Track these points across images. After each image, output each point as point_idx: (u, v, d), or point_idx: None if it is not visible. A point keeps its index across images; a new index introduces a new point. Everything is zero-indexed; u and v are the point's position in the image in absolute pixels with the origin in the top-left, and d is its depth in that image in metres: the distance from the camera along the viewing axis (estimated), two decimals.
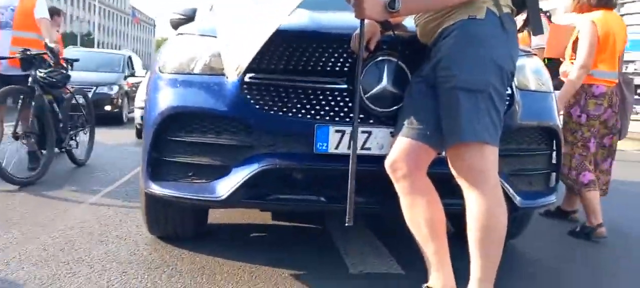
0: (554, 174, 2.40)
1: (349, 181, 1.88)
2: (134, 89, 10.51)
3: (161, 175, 2.20)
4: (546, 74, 2.48)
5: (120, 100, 10.14)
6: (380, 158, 1.97)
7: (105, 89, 9.86)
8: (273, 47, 2.06)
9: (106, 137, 7.30)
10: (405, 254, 2.55)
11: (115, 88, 10.05)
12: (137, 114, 7.45)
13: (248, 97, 2.07)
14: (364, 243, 2.84)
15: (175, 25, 3.53)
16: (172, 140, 2.15)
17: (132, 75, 11.28)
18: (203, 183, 2.14)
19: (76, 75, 8.20)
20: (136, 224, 2.97)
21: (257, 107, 2.06)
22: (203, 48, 2.22)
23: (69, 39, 42.91)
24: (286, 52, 2.08)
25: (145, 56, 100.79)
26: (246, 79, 2.07)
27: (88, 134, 5.28)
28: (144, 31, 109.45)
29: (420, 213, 1.86)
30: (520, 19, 1.99)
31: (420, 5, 1.87)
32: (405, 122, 1.87)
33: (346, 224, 1.89)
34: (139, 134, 7.59)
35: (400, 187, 1.88)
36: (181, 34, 2.41)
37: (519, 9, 1.90)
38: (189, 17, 3.66)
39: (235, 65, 1.91)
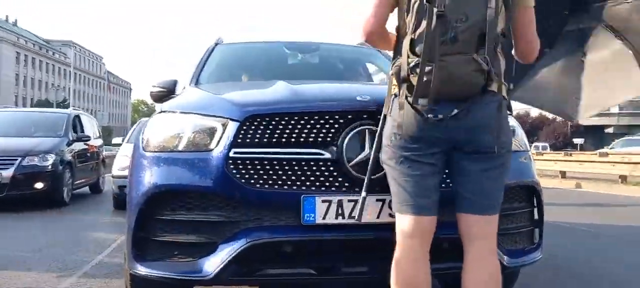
0: (536, 230, 2.43)
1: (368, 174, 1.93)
2: (82, 159, 9.03)
3: (146, 255, 2.16)
4: (521, 132, 2.55)
5: (58, 175, 7.75)
6: (369, 227, 1.98)
7: (35, 160, 7.53)
8: (256, 122, 2.09)
9: (65, 214, 7.04)
10: None
11: (51, 158, 7.66)
12: (114, 184, 7.36)
13: (233, 171, 2.08)
14: None
15: (156, 98, 3.54)
16: (157, 219, 2.13)
17: (80, 140, 8.97)
18: (190, 261, 2.11)
19: None
20: None
21: (243, 181, 2.07)
22: (186, 125, 2.24)
23: (44, 107, 42.55)
24: (269, 125, 2.11)
25: (121, 119, 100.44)
26: (231, 154, 2.08)
27: None
28: (120, 95, 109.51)
29: (409, 274, 1.84)
30: None
31: None
32: (414, 196, 1.83)
33: (356, 220, 1.95)
34: (116, 204, 7.48)
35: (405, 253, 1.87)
36: (163, 111, 2.43)
37: None
38: (170, 90, 3.68)
39: None
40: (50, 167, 7.59)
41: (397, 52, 1.86)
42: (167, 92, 3.65)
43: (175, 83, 3.82)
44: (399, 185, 1.85)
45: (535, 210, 2.43)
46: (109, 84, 73.71)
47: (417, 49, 1.72)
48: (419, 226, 1.82)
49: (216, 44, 4.09)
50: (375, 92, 2.26)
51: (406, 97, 1.78)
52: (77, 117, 9.60)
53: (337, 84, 2.91)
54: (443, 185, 1.89)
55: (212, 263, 2.05)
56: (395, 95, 1.86)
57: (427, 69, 1.68)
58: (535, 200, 2.43)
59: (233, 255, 2.02)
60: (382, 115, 1.95)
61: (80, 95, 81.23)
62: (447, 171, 1.90)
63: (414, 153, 1.80)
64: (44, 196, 7.59)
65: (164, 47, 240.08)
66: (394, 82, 1.87)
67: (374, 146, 1.96)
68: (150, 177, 2.18)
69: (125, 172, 7.10)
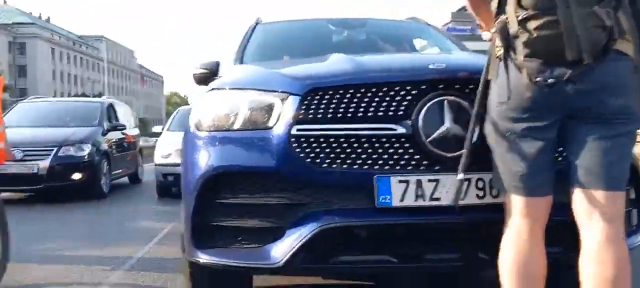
0: (635, 211, 2.18)
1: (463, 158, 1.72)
2: (120, 149, 8.84)
3: (207, 242, 2.01)
4: None
5: (96, 165, 7.56)
6: (451, 209, 1.79)
7: (71, 150, 7.31)
8: (318, 96, 1.91)
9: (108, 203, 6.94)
10: None
11: (87, 148, 7.45)
12: (157, 172, 7.32)
13: (297, 150, 1.90)
14: None
15: (199, 80, 3.40)
16: (217, 203, 1.98)
17: (115, 128, 8.77)
18: (255, 248, 1.96)
19: (28, 134, 7.15)
20: None
21: (308, 160, 1.89)
22: (241, 101, 2.07)
23: None
24: (332, 99, 1.92)
25: (156, 110, 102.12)
26: (293, 131, 1.91)
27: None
28: (153, 87, 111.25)
29: (522, 258, 1.65)
30: None
31: None
32: (525, 175, 1.64)
33: (454, 204, 1.73)
34: (160, 192, 7.45)
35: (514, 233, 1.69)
36: (215, 89, 2.27)
37: None
38: (212, 71, 3.53)
39: None
40: (86, 157, 7.39)
41: (501, 7, 1.62)
42: (210, 74, 3.50)
43: (218, 64, 3.67)
44: (505, 162, 1.64)
45: (633, 189, 2.17)
46: (142, 76, 74.81)
47: (526, 1, 1.49)
48: (531, 208, 1.62)
49: (256, 24, 3.93)
50: (450, 59, 2.05)
51: (512, 59, 1.55)
52: (111, 105, 9.39)
53: (403, 54, 2.70)
54: (559, 159, 1.67)
55: (281, 250, 1.89)
56: (499, 58, 1.64)
57: (539, 22, 1.46)
58: (633, 180, 2.18)
59: (303, 240, 1.85)
60: (482, 81, 1.73)
61: (114, 89, 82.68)
62: (561, 144, 1.67)
63: (523, 124, 1.58)
64: (82, 187, 7.37)
65: (192, 39, 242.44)
66: (498, 42, 1.65)
67: (473, 118, 1.74)
68: (206, 158, 2.02)
69: (168, 160, 7.11)
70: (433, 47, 3.70)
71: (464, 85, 1.90)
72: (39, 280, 3.24)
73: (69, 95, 69.13)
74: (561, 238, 1.79)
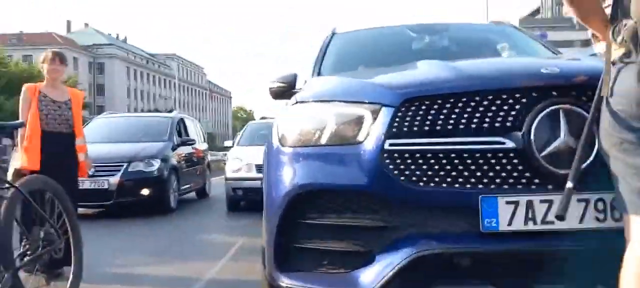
0: None
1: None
2: (188, 163, 8.76)
3: (291, 265, 1.88)
4: None
5: (164, 180, 7.47)
6: (569, 235, 1.56)
7: (140, 166, 7.32)
8: (415, 106, 1.74)
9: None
10: None
11: (156, 163, 7.43)
12: (228, 186, 7.36)
13: (390, 167, 1.73)
14: None
15: (276, 94, 3.29)
16: (303, 224, 1.84)
17: (185, 143, 8.75)
18: (342, 274, 1.80)
19: (99, 150, 6.84)
20: None
21: (402, 178, 1.71)
22: (327, 115, 1.92)
23: None
24: (430, 110, 1.74)
25: (223, 125, 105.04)
26: (386, 146, 1.74)
27: (74, 258, 3.04)
28: (221, 103, 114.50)
29: None
30: None
31: None
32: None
33: (560, 214, 1.51)
34: (230, 206, 7.48)
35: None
36: (299, 102, 2.14)
37: None
38: (290, 85, 3.42)
39: None
40: (156, 172, 7.34)
41: (618, 12, 1.42)
42: (287, 87, 3.38)
43: (295, 77, 3.55)
44: (625, 177, 1.40)
45: None
46: (211, 92, 77.24)
47: None
48: None
49: (333, 34, 3.80)
50: (563, 63, 1.83)
51: (635, 63, 1.33)
52: (182, 120, 9.34)
53: (507, 58, 2.47)
54: None
55: (370, 277, 1.72)
56: (613, 63, 1.42)
57: None
58: None
59: (397, 267, 1.67)
60: (599, 88, 1.50)
61: (184, 105, 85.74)
62: None
63: None
64: (150, 202, 7.31)
65: (262, 56, 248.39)
66: (615, 44, 1.43)
67: (586, 129, 1.52)
68: (291, 176, 1.89)
69: (238, 174, 7.14)
70: (527, 53, 3.42)
71: (582, 92, 1.67)
72: None
73: (142, 111, 72.43)
74: None
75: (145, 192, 7.17)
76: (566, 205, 1.51)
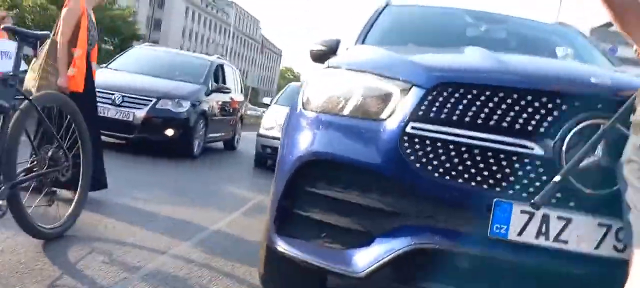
0: None
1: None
2: (221, 112, 8.35)
3: (289, 231, 1.83)
4: None
5: (191, 124, 7.07)
6: (577, 257, 1.46)
7: (168, 105, 6.92)
8: (447, 91, 1.63)
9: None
10: None
11: (186, 105, 7.04)
12: (258, 142, 7.36)
13: (407, 151, 1.64)
14: None
15: (316, 57, 3.22)
16: (308, 192, 1.78)
17: (219, 90, 8.27)
18: (337, 249, 1.74)
19: (131, 80, 6.98)
20: None
21: (418, 165, 1.63)
22: (356, 85, 1.85)
23: None
24: (462, 99, 1.63)
25: (269, 82, 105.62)
26: (407, 128, 1.65)
27: (80, 183, 3.04)
28: (270, 60, 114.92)
29: None
30: None
31: None
32: None
33: (536, 203, 1.47)
34: (257, 163, 7.49)
35: None
36: (330, 66, 2.06)
37: None
38: (332, 49, 3.33)
39: None
40: (184, 114, 6.95)
41: None
42: (328, 51, 3.30)
43: (338, 42, 3.45)
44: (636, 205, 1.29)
45: None
46: (262, 47, 77.46)
47: None
48: None
49: (386, 5, 3.66)
50: (617, 76, 1.69)
51: None
52: (221, 66, 8.79)
53: (557, 60, 2.32)
54: None
55: (365, 259, 1.66)
56: None
57: None
58: None
59: (393, 255, 1.60)
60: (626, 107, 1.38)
61: (235, 55, 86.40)
62: None
63: None
64: (172, 145, 6.99)
65: (317, 28, 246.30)
66: None
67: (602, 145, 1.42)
68: (308, 141, 1.84)
69: (271, 132, 7.11)
70: (584, 60, 3.22)
71: (630, 110, 1.54)
72: (107, 231, 3.09)
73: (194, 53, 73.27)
74: None
75: (169, 132, 6.85)
76: (548, 198, 1.45)
